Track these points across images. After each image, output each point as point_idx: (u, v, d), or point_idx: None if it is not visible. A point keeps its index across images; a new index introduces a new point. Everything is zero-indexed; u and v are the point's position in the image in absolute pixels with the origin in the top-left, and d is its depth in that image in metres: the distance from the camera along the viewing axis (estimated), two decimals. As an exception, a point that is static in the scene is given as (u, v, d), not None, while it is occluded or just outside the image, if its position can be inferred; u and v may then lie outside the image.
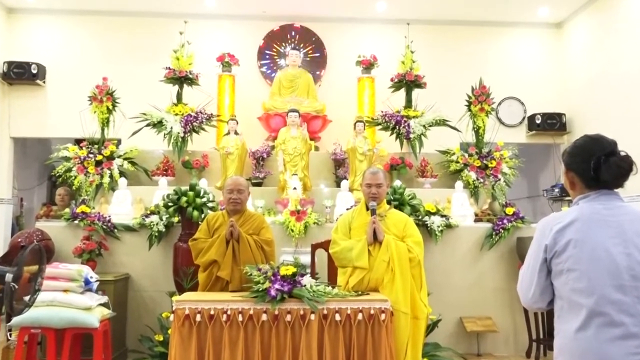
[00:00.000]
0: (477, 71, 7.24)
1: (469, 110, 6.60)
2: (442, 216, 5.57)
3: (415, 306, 3.55)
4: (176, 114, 6.51)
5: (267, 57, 8.65)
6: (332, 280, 3.98)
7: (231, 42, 8.40)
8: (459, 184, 6.13)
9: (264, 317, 3.14)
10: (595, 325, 1.77)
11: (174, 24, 7.37)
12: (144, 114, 6.54)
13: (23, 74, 7.85)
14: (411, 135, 6.59)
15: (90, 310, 4.15)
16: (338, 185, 6.37)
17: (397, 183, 5.80)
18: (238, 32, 8.59)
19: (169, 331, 3.70)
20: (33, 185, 9.22)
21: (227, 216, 3.99)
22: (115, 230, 5.43)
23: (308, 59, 8.62)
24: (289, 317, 3.14)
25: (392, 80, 7.00)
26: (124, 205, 5.79)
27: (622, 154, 1.91)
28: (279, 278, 3.22)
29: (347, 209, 5.09)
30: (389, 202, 4.16)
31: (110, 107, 6.37)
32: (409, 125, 6.61)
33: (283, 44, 8.65)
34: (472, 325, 5.37)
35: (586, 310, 1.78)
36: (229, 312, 3.15)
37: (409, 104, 6.92)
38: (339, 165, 6.83)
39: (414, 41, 7.06)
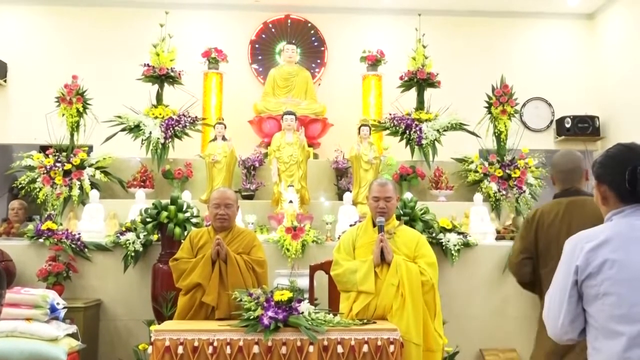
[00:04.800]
0: (499, 68, 7.26)
1: (489, 112, 6.62)
2: (459, 233, 5.57)
3: (428, 337, 3.54)
4: (156, 117, 6.53)
5: (260, 52, 8.69)
6: (333, 306, 3.97)
7: (219, 35, 8.44)
8: (478, 197, 6.13)
9: (256, 349, 3.13)
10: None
11: (153, 15, 7.42)
12: (119, 117, 6.55)
13: (-19, 72, 7.89)
14: (423, 141, 6.61)
15: (56, 342, 4.13)
16: (340, 198, 6.37)
17: (408, 195, 5.80)
18: (226, 24, 8.64)
19: (147, 365, 3.69)
20: (-9, 199, 9.22)
21: (213, 233, 3.99)
22: (86, 249, 5.41)
23: (306, 54, 8.66)
24: (284, 349, 3.13)
25: (401, 78, 7.03)
26: (95, 221, 5.78)
27: None
28: (273, 304, 3.21)
29: (351, 225, 5.09)
30: (398, 218, 4.16)
31: (81, 109, 6.39)
32: (420, 129, 6.63)
33: (278, 37, 8.70)
34: (494, 359, 5.36)
35: (627, 339, 1.78)
36: (215, 344, 3.14)
37: (420, 105, 6.95)
38: (342, 175, 6.84)
39: (426, 34, 7.09)
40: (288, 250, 5.31)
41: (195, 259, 3.88)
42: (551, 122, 8.67)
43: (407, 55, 7.12)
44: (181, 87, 6.93)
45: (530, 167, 6.47)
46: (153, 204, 5.23)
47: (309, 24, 8.75)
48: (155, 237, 5.33)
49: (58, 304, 4.29)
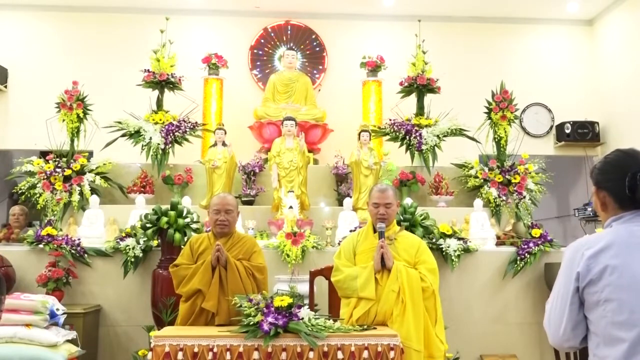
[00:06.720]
0: (498, 74, 7.29)
1: (489, 118, 6.62)
2: (459, 239, 5.56)
3: (429, 343, 3.54)
4: (156, 123, 6.54)
5: (260, 58, 8.71)
6: (333, 312, 3.96)
7: (219, 41, 8.46)
8: (478, 202, 6.13)
9: (256, 355, 3.13)
10: None
11: (153, 21, 7.43)
12: (119, 122, 6.56)
13: (-19, 78, 7.91)
14: (423, 147, 6.62)
15: (55, 348, 4.12)
16: (340, 204, 6.37)
17: (408, 201, 5.80)
18: (227, 30, 8.66)
19: (146, 372, 3.68)
20: (-9, 204, 9.22)
21: (213, 239, 3.98)
22: (86, 255, 5.41)
23: (306, 60, 8.68)
24: (284, 355, 3.12)
25: (401, 84, 7.05)
26: (95, 226, 5.78)
27: None
28: (273, 310, 3.21)
29: (351, 231, 5.09)
30: (398, 223, 4.16)
31: (81, 115, 6.39)
32: (420, 135, 6.64)
33: (278, 43, 8.71)
34: (495, 365, 5.35)
35: (628, 345, 1.78)
36: (215, 350, 3.13)
37: (420, 111, 6.95)
38: (342, 181, 6.84)
39: (426, 40, 7.11)
40: (288, 255, 5.30)
41: (195, 265, 3.88)
42: (551, 127, 8.68)
43: (407, 61, 7.13)
44: (181, 93, 6.95)
45: (530, 173, 6.47)
46: (153, 209, 5.23)
47: (309, 30, 8.76)
48: (155, 242, 5.33)
49: (58, 309, 4.29)
